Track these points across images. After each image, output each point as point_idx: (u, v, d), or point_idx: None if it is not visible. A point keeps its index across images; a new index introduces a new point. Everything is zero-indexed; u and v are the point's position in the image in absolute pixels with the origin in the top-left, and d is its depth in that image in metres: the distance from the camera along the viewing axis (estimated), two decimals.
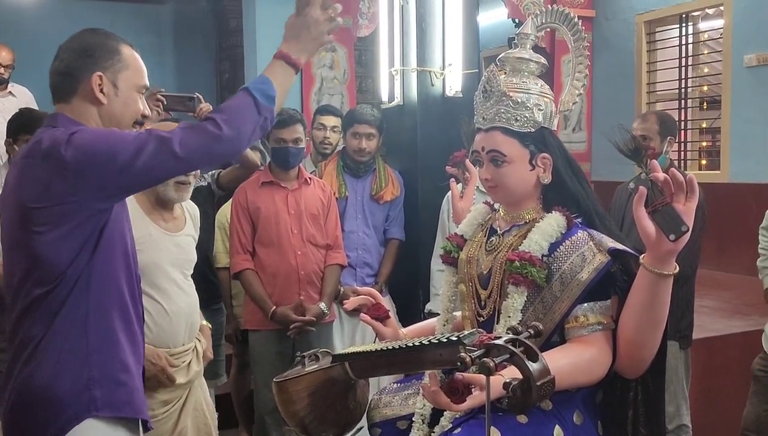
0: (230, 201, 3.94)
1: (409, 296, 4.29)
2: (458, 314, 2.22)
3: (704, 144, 7.34)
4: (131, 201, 2.60)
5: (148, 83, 2.15)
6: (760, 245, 3.87)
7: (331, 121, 4.39)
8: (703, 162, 7.21)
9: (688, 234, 1.65)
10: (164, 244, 2.67)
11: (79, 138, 1.88)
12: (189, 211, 2.93)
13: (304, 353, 2.10)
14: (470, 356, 1.44)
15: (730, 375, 4.27)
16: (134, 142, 1.88)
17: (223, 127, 1.90)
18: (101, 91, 2.01)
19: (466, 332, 1.62)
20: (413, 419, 2.09)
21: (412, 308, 4.20)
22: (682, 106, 7.08)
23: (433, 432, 1.99)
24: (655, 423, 1.98)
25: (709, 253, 5.80)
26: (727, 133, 6.46)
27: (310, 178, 3.87)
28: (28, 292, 1.93)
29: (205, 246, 3.77)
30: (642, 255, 1.77)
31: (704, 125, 7.29)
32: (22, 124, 3.38)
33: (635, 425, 1.98)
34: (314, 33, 2.05)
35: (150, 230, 2.67)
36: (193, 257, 2.86)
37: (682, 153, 7.11)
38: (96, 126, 2.02)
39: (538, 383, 1.42)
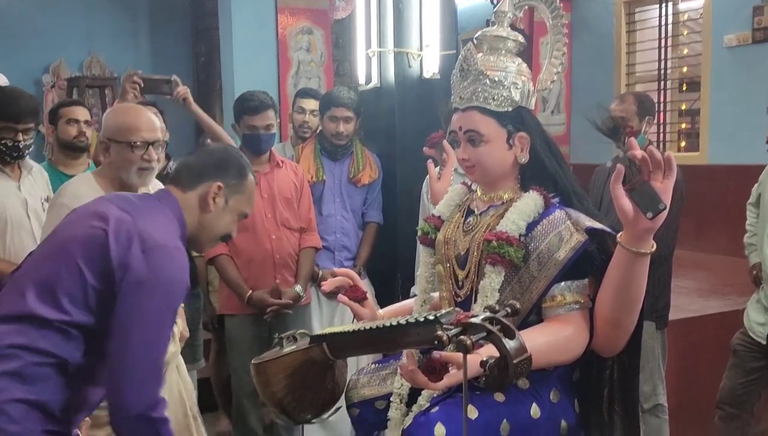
0: None
1: (388, 278, 4.28)
2: (436, 294, 2.22)
3: (683, 126, 7.35)
4: (95, 188, 2.56)
5: (249, 214, 2.29)
6: (747, 222, 3.88)
7: (311, 104, 4.31)
8: (683, 144, 7.22)
9: (666, 212, 1.65)
10: None
11: (159, 262, 1.91)
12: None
13: (282, 335, 2.09)
14: (447, 335, 1.44)
15: (707, 355, 4.30)
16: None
17: None
18: (213, 199, 2.13)
19: (443, 311, 1.61)
20: (391, 398, 2.09)
21: (390, 291, 4.19)
22: (662, 87, 7.07)
23: (411, 411, 1.99)
24: (629, 402, 2.00)
25: (687, 234, 5.83)
26: (707, 114, 6.47)
27: (282, 161, 3.84)
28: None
29: None
30: (619, 234, 1.76)
31: (684, 107, 7.30)
32: None
33: (611, 403, 2.00)
34: None
35: None
36: None
37: (662, 135, 7.12)
38: (191, 225, 2.12)
39: (515, 361, 1.41)
